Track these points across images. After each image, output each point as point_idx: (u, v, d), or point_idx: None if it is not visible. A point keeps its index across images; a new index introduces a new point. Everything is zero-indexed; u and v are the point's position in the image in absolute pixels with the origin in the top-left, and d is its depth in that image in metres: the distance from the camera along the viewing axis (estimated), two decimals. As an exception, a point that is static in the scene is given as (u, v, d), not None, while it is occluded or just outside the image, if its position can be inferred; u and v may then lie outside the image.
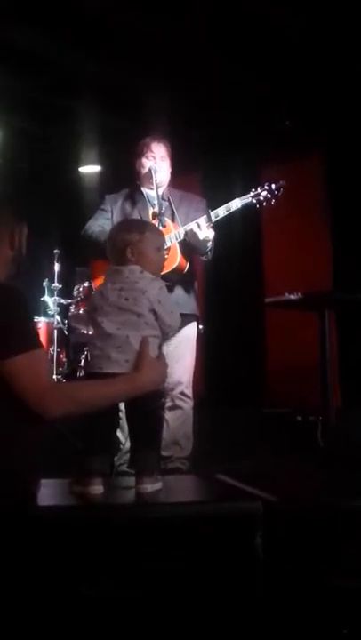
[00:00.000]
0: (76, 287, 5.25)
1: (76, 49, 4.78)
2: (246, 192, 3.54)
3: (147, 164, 3.50)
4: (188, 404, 3.51)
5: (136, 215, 3.44)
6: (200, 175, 6.14)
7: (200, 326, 3.73)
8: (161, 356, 2.04)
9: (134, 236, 2.07)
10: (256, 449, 4.01)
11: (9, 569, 1.59)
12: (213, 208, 3.43)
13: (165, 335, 2.06)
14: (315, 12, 4.28)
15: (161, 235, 2.23)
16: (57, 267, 5.43)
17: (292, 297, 3.57)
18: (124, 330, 1.95)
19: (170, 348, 3.42)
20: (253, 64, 4.86)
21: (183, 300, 3.45)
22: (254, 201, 3.49)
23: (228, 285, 5.92)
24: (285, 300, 3.65)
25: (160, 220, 3.27)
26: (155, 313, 1.98)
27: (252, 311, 5.81)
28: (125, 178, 3.86)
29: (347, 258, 5.37)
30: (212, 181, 5.85)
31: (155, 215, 3.32)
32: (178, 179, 3.69)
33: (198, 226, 3.33)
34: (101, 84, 5.22)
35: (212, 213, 3.38)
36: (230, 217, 3.48)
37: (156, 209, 3.31)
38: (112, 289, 2.00)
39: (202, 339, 3.71)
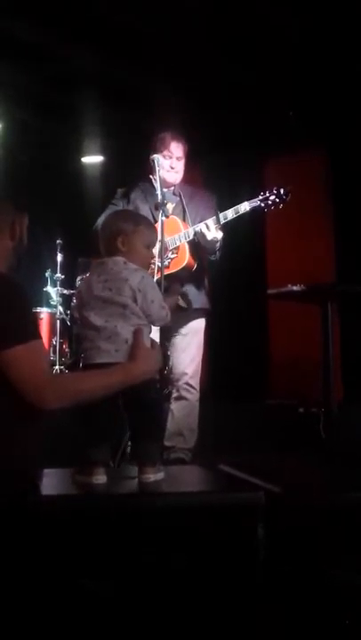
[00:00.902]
0: (78, 278, 5.23)
1: (79, 43, 4.76)
2: (253, 191, 3.58)
3: (164, 163, 3.48)
4: (193, 395, 3.54)
5: (147, 209, 3.43)
6: (202, 172, 6.11)
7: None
8: (154, 345, 2.05)
9: (129, 226, 2.07)
10: (258, 441, 4.02)
11: (12, 558, 1.59)
12: (217, 205, 3.47)
13: (152, 325, 2.06)
14: (315, 12, 4.26)
15: (154, 233, 2.23)
16: (59, 257, 5.43)
17: (295, 288, 3.56)
18: (111, 321, 1.96)
19: (177, 339, 3.47)
20: (255, 62, 4.84)
21: (193, 295, 3.51)
22: (262, 205, 3.52)
23: (231, 278, 5.89)
24: (288, 292, 3.64)
25: (163, 211, 3.27)
26: (135, 301, 1.98)
27: (255, 304, 5.79)
28: (128, 168, 3.85)
29: (350, 250, 5.37)
30: (213, 178, 5.83)
31: (157, 206, 3.32)
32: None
33: (207, 227, 3.38)
34: (103, 77, 5.20)
35: (221, 215, 3.42)
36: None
37: (159, 199, 3.29)
38: (97, 281, 2.01)
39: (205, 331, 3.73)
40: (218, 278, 5.81)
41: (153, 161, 3.42)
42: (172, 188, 3.54)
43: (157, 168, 3.39)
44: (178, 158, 3.53)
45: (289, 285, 3.59)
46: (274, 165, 5.82)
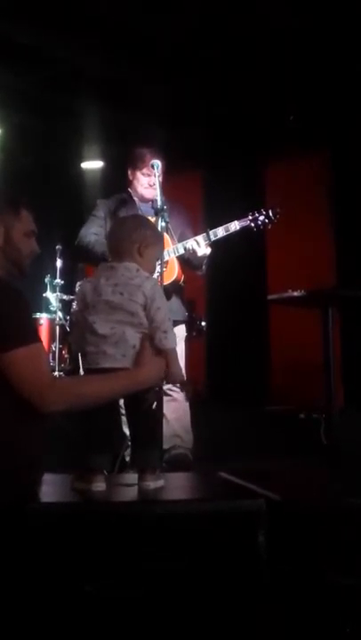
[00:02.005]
0: (78, 283, 5.23)
1: (79, 45, 4.77)
2: (253, 196, 3.61)
3: (143, 180, 3.58)
4: (182, 396, 3.58)
5: None
6: (202, 173, 6.12)
7: (203, 323, 3.81)
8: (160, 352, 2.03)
9: (152, 236, 2.09)
10: (259, 447, 4.01)
11: (11, 566, 1.58)
12: (215, 206, 3.51)
13: (155, 340, 2.03)
14: (315, 12, 4.27)
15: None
16: (59, 263, 5.42)
17: (296, 294, 3.57)
18: (119, 327, 1.93)
19: None
20: (255, 63, 4.86)
21: (176, 307, 3.59)
22: (252, 224, 3.64)
23: (231, 283, 5.90)
24: (288, 297, 3.65)
25: (162, 217, 3.29)
26: (145, 309, 1.96)
27: (255, 309, 5.79)
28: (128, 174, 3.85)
29: (350, 255, 5.37)
30: (214, 179, 5.82)
31: (157, 211, 3.34)
32: (180, 177, 3.70)
33: (197, 243, 3.49)
34: (104, 80, 5.22)
35: (211, 233, 3.53)
36: (234, 215, 3.59)
37: (159, 205, 3.31)
38: (106, 285, 1.97)
39: (205, 336, 3.76)
40: (218, 283, 5.84)
41: (152, 166, 3.44)
42: (150, 202, 3.57)
43: (157, 173, 3.41)
44: (158, 176, 3.56)
45: (289, 291, 3.60)
46: (275, 168, 5.82)
